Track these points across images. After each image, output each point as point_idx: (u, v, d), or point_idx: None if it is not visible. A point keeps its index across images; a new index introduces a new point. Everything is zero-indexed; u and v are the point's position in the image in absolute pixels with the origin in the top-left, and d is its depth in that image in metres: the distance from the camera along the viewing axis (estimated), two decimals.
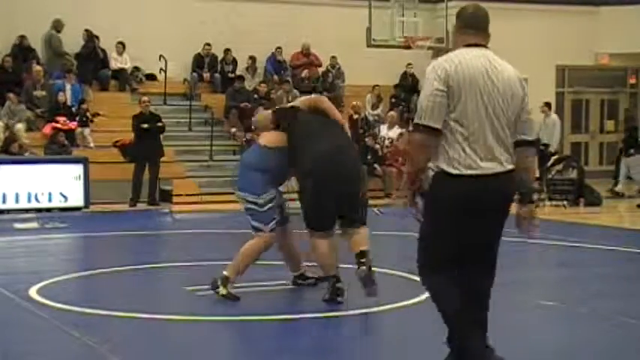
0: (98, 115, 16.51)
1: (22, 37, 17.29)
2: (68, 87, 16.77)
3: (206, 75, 18.87)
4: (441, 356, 4.62)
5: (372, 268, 6.29)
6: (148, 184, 14.89)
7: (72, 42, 17.60)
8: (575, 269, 8.37)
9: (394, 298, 6.60)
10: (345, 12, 19.05)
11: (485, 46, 4.19)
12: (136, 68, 18.46)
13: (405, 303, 6.31)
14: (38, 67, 16.66)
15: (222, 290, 6.45)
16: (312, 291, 7.16)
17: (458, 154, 3.99)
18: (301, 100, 6.87)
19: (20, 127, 15.61)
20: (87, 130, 16.21)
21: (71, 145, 15.78)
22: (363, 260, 6.33)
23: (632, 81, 23.79)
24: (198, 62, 18.96)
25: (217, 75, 18.98)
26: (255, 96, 18.08)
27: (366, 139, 16.89)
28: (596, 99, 23.43)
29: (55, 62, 17.38)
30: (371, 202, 17.01)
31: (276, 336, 5.67)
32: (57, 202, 14.16)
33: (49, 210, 13.98)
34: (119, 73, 18.17)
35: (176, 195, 15.43)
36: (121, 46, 18.20)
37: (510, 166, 4.06)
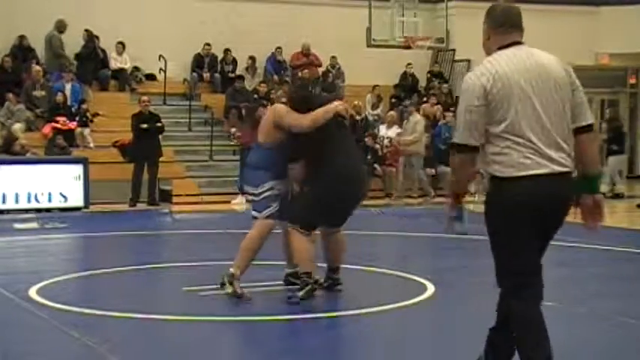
0: (98, 115, 16.52)
1: (22, 37, 17.30)
2: (68, 87, 16.77)
3: (206, 75, 18.88)
4: (441, 356, 4.62)
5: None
6: (148, 184, 14.90)
7: (72, 42, 17.61)
8: (573, 269, 8.37)
9: (394, 298, 6.61)
10: (345, 12, 19.06)
11: (521, 42, 3.97)
12: (136, 68, 18.47)
13: (405, 303, 6.31)
14: (37, 67, 16.66)
15: (227, 288, 6.48)
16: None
17: (510, 158, 3.81)
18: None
19: (17, 127, 15.60)
20: (87, 130, 16.21)
21: (71, 146, 15.78)
22: (336, 277, 6.85)
23: (632, 81, 23.80)
24: (198, 62, 18.97)
25: (217, 75, 18.98)
26: (255, 96, 18.08)
27: (366, 139, 16.89)
28: (596, 99, 23.44)
29: (54, 62, 17.38)
30: (371, 202, 17.09)
31: (276, 336, 5.67)
32: (57, 203, 14.16)
33: (48, 210, 13.99)
34: (119, 73, 18.18)
35: (176, 195, 15.43)
36: (121, 46, 18.21)
37: (567, 168, 3.85)
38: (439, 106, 18.93)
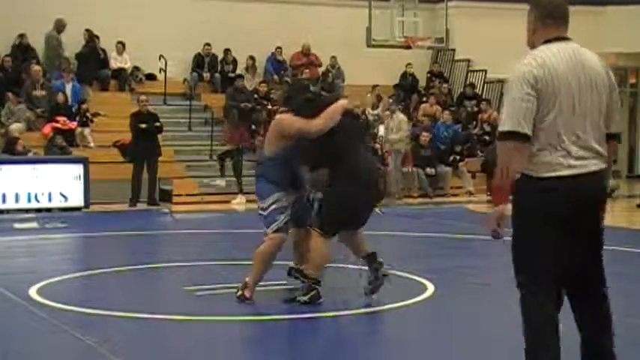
0: (98, 115, 16.52)
1: (22, 36, 17.29)
2: (68, 87, 16.77)
3: (206, 75, 18.88)
4: (441, 356, 4.62)
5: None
6: (147, 184, 14.90)
7: (72, 42, 17.62)
8: None
9: (394, 298, 6.60)
10: (345, 12, 19.06)
11: (567, 38, 3.87)
12: (136, 68, 18.47)
13: (405, 303, 6.31)
14: (37, 67, 16.66)
15: (238, 292, 6.50)
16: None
17: (546, 157, 3.74)
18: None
19: (14, 127, 15.58)
20: (87, 130, 16.21)
21: (71, 145, 15.78)
22: (377, 264, 6.67)
23: (633, 81, 23.80)
24: (198, 62, 18.97)
25: (217, 75, 18.98)
26: (255, 96, 18.09)
27: (366, 139, 16.89)
28: None
29: (52, 62, 17.35)
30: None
31: (275, 336, 5.67)
32: (57, 202, 14.16)
33: (49, 210, 13.99)
34: (119, 73, 18.18)
35: (176, 195, 15.44)
36: (121, 46, 18.21)
37: (601, 166, 3.82)
38: (438, 106, 18.94)
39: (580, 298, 3.91)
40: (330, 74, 19.61)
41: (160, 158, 15.16)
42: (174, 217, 14.00)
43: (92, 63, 17.83)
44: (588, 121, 3.78)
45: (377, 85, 19.37)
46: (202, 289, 6.98)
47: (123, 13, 18.08)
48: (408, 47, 17.64)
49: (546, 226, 3.73)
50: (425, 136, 17.14)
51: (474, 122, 19.51)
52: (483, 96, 20.42)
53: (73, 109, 16.43)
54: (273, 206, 6.41)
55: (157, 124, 15.18)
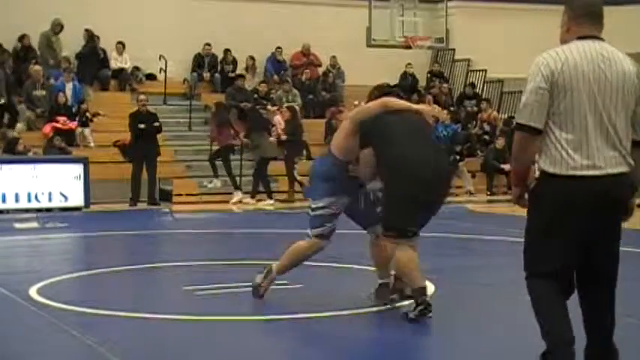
0: (98, 114, 16.52)
1: (23, 36, 17.29)
2: (68, 87, 16.77)
3: (206, 75, 18.88)
4: (441, 356, 4.62)
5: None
6: (147, 183, 14.90)
7: (72, 42, 17.61)
8: None
9: (394, 298, 6.59)
10: (345, 12, 19.07)
11: (599, 37, 3.85)
12: (136, 68, 18.47)
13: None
14: (37, 67, 16.66)
15: (257, 278, 6.30)
16: (311, 290, 7.16)
17: (560, 153, 3.72)
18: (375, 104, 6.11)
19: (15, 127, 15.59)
20: (87, 130, 16.22)
21: (71, 145, 15.78)
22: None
23: None
24: (198, 62, 18.97)
25: (217, 75, 18.98)
26: (255, 96, 18.09)
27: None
28: None
29: (46, 62, 17.30)
30: None
31: (274, 336, 5.67)
32: (57, 202, 14.17)
33: (49, 210, 13.99)
34: (119, 73, 18.19)
35: (176, 195, 15.43)
36: (121, 46, 18.21)
37: (621, 169, 3.75)
38: (436, 105, 18.90)
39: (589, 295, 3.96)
40: (330, 74, 19.61)
41: (160, 158, 15.17)
42: (174, 217, 14.00)
43: (92, 63, 17.85)
44: (611, 123, 3.72)
45: None
46: (202, 289, 6.98)
47: (123, 13, 18.10)
48: (408, 47, 17.65)
49: (557, 222, 3.75)
50: None
51: (474, 122, 19.51)
52: (483, 96, 20.42)
53: (73, 109, 16.43)
54: (322, 211, 6.07)
55: (156, 124, 15.18)
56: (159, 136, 15.44)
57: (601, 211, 3.77)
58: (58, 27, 17.37)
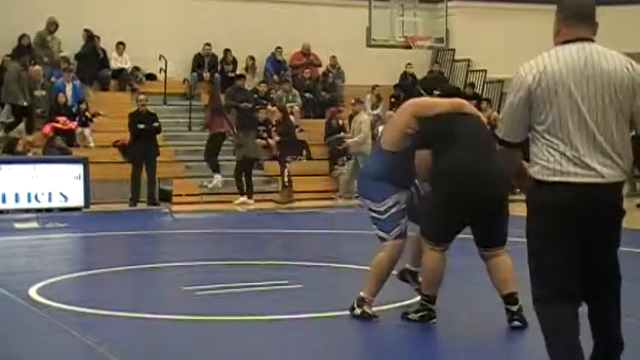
0: (98, 114, 16.52)
1: (22, 36, 17.28)
2: (68, 87, 16.76)
3: (206, 75, 18.88)
4: (440, 356, 4.61)
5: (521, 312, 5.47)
6: (147, 184, 14.90)
7: (72, 42, 17.61)
8: None
9: (394, 298, 6.60)
10: (345, 12, 19.06)
11: (589, 39, 3.68)
12: (136, 68, 18.47)
13: (405, 303, 6.30)
14: (37, 67, 16.64)
15: (357, 310, 5.83)
16: (311, 290, 7.16)
17: (548, 161, 3.60)
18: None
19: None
20: (87, 130, 16.22)
21: (71, 146, 15.78)
22: (513, 308, 5.47)
23: None
24: (198, 62, 18.97)
25: (217, 75, 18.99)
26: (255, 96, 18.10)
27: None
28: None
29: (41, 61, 17.26)
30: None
31: (274, 336, 5.66)
32: (57, 202, 14.16)
33: (49, 210, 13.99)
34: (119, 73, 18.19)
35: (176, 195, 15.44)
36: (122, 46, 18.21)
37: (614, 177, 3.61)
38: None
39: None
40: (330, 74, 19.61)
41: (159, 158, 15.17)
42: (173, 217, 14.00)
43: (92, 63, 17.84)
44: (598, 128, 3.58)
45: (377, 85, 19.38)
46: (202, 289, 6.98)
47: (123, 13, 18.09)
48: (408, 47, 17.64)
49: (547, 231, 3.65)
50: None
51: None
52: (483, 96, 20.42)
53: (73, 109, 16.43)
54: (394, 210, 5.70)
55: (156, 124, 15.18)
56: (158, 136, 15.44)
57: (590, 220, 3.64)
58: (53, 26, 17.32)
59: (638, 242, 10.55)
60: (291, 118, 17.53)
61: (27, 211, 13.77)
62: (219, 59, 19.16)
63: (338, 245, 10.61)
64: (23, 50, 17.24)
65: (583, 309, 3.82)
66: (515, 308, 5.42)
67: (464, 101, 5.91)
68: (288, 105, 18.05)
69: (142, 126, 14.89)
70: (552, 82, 3.58)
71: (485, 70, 20.52)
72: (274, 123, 16.91)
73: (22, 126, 15.80)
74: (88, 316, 6.10)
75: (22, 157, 14.84)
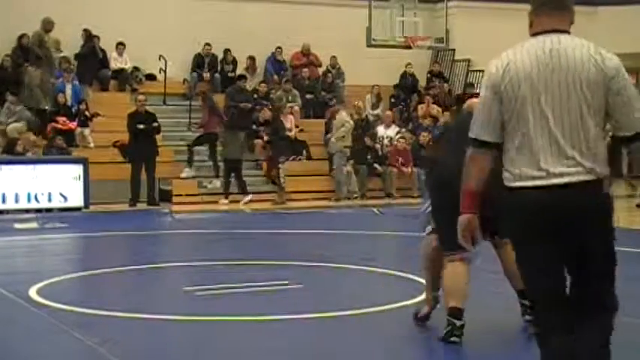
0: (98, 115, 16.52)
1: (22, 36, 17.27)
2: (68, 87, 16.75)
3: (206, 75, 18.87)
4: (441, 356, 4.61)
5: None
6: (146, 184, 14.90)
7: (72, 42, 17.60)
8: None
9: (394, 298, 6.60)
10: (345, 12, 19.05)
11: (560, 30, 3.40)
12: (136, 68, 18.47)
13: (405, 303, 6.31)
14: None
15: (423, 309, 5.71)
16: (311, 290, 7.16)
17: (513, 165, 3.38)
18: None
19: (12, 127, 15.56)
20: (87, 130, 16.21)
21: (70, 146, 15.78)
22: (527, 302, 5.09)
23: (632, 81, 23.81)
24: (198, 62, 18.97)
25: (217, 75, 18.98)
26: (255, 96, 18.10)
27: (365, 139, 16.92)
28: None
29: (41, 62, 17.25)
30: (371, 202, 17.03)
31: (275, 336, 5.66)
32: (57, 202, 14.16)
33: (48, 210, 13.99)
34: (119, 73, 18.18)
35: (176, 195, 15.43)
36: (121, 46, 18.21)
37: (579, 177, 3.30)
38: (436, 106, 18.90)
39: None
40: (330, 74, 19.61)
41: (159, 158, 15.17)
42: (173, 217, 14.00)
43: (92, 63, 17.82)
44: (562, 126, 3.31)
45: (377, 85, 19.38)
46: (202, 289, 6.98)
47: (123, 13, 18.08)
48: (408, 47, 17.65)
49: (523, 240, 3.42)
50: (424, 136, 17.14)
51: None
52: None
53: (73, 110, 16.43)
54: (430, 209, 5.59)
55: (155, 124, 15.18)
56: (158, 136, 15.44)
57: (563, 223, 3.33)
58: (49, 25, 17.28)
59: (638, 242, 10.56)
60: (290, 117, 17.53)
61: (27, 211, 13.78)
62: (219, 59, 19.15)
63: (338, 245, 10.61)
64: (23, 50, 17.23)
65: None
66: (528, 302, 5.30)
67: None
68: (288, 105, 18.05)
69: (141, 126, 14.89)
70: (516, 78, 3.36)
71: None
72: (263, 122, 16.92)
73: (22, 125, 15.79)
74: (88, 316, 6.10)
75: (22, 157, 14.84)
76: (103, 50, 18.04)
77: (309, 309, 6.26)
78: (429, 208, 5.55)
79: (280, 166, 15.42)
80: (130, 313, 6.14)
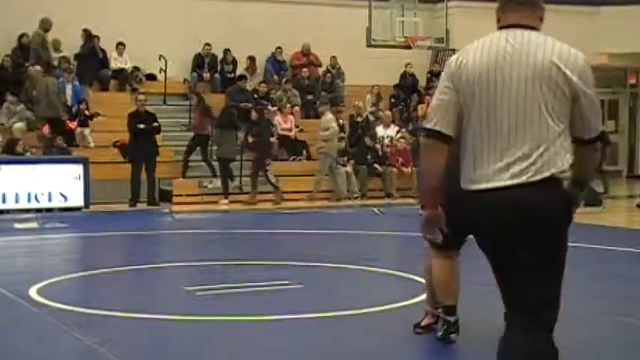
0: (98, 115, 16.52)
1: (22, 36, 17.28)
2: (68, 87, 16.75)
3: (206, 75, 18.87)
4: (440, 356, 4.61)
5: None
6: (146, 184, 14.90)
7: (72, 42, 17.60)
8: (573, 269, 8.33)
9: (394, 298, 6.61)
10: (345, 12, 19.05)
11: (526, 26, 3.24)
12: (136, 68, 18.47)
13: (405, 303, 6.31)
14: (37, 67, 16.63)
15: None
16: (311, 290, 7.16)
17: (466, 165, 3.26)
18: None
19: (16, 127, 15.58)
20: (87, 130, 16.21)
21: (70, 146, 15.78)
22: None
23: (632, 81, 23.82)
24: (198, 62, 18.97)
25: (217, 75, 18.99)
26: (255, 96, 18.10)
27: (365, 139, 16.91)
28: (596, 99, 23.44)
29: (39, 62, 17.23)
30: (371, 202, 16.98)
31: (275, 336, 5.67)
32: (57, 202, 14.16)
33: (49, 210, 13.98)
34: (119, 73, 18.18)
35: (176, 195, 15.43)
36: (121, 46, 18.21)
37: (530, 177, 3.13)
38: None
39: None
40: (329, 74, 19.61)
41: (159, 158, 15.16)
42: (174, 217, 14.00)
43: (92, 63, 17.82)
44: (516, 125, 3.15)
45: (377, 85, 19.37)
46: (203, 289, 6.98)
47: (123, 13, 18.08)
48: (408, 47, 17.64)
49: (481, 245, 3.30)
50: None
51: None
52: None
53: (73, 110, 16.43)
54: None
55: (156, 124, 15.17)
56: (158, 136, 15.43)
57: (512, 227, 3.16)
58: (47, 24, 17.25)
59: (637, 242, 10.56)
60: (290, 117, 17.52)
61: (27, 211, 13.76)
62: (219, 59, 19.16)
63: (338, 245, 10.61)
64: (23, 50, 17.23)
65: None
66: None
67: None
68: (287, 105, 18.04)
69: (142, 126, 14.88)
70: (472, 73, 3.21)
71: None
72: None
73: (22, 125, 15.78)
74: (88, 316, 6.11)
75: (22, 157, 14.83)
76: (103, 50, 18.04)
77: (309, 309, 6.26)
78: None
79: (268, 168, 15.24)
80: (130, 313, 6.14)
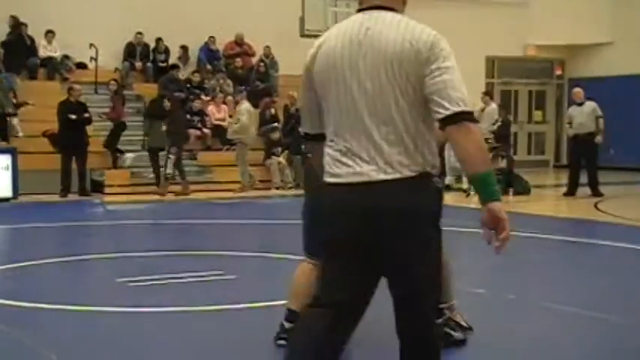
0: (27, 104, 16.19)
1: None
2: None
3: (138, 64, 18.64)
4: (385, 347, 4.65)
5: None
6: (77, 174, 14.69)
7: None
8: (501, 257, 8.53)
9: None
10: (278, 1, 19.03)
11: (385, 7, 3.02)
12: (66, 57, 18.13)
13: None
14: None
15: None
16: (245, 280, 7.16)
17: (325, 159, 3.03)
18: None
19: None
20: (15, 120, 15.88)
21: None
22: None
23: (559, 72, 24.39)
24: (130, 51, 18.73)
25: (150, 64, 18.77)
26: (188, 85, 17.95)
27: (299, 130, 16.94)
28: (524, 90, 23.95)
29: None
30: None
31: (207, 326, 5.66)
32: None
33: None
34: (48, 62, 17.83)
35: (108, 185, 15.24)
36: (51, 34, 17.85)
37: (385, 175, 2.88)
38: None
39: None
40: (263, 64, 19.57)
41: (90, 148, 14.96)
42: (105, 208, 13.84)
43: (19, 51, 17.43)
44: (370, 114, 2.91)
45: None
46: (135, 280, 6.94)
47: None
48: None
49: (326, 242, 3.08)
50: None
51: None
52: None
53: None
54: None
55: (87, 114, 14.96)
56: (89, 126, 15.21)
57: (365, 225, 2.90)
58: None
59: (564, 230, 10.85)
60: (224, 107, 17.44)
61: None
62: (151, 48, 18.94)
63: (273, 235, 10.64)
64: None
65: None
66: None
67: None
68: (219, 95, 17.95)
69: (73, 117, 14.65)
70: (326, 62, 2.98)
71: None
72: (196, 112, 16.75)
73: None
74: (17, 308, 6.01)
75: None
76: (30, 38, 17.66)
77: (242, 299, 6.27)
78: None
79: (170, 156, 15.02)
80: (60, 305, 6.07)
